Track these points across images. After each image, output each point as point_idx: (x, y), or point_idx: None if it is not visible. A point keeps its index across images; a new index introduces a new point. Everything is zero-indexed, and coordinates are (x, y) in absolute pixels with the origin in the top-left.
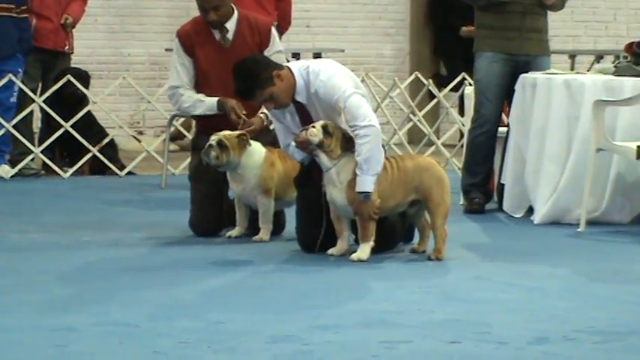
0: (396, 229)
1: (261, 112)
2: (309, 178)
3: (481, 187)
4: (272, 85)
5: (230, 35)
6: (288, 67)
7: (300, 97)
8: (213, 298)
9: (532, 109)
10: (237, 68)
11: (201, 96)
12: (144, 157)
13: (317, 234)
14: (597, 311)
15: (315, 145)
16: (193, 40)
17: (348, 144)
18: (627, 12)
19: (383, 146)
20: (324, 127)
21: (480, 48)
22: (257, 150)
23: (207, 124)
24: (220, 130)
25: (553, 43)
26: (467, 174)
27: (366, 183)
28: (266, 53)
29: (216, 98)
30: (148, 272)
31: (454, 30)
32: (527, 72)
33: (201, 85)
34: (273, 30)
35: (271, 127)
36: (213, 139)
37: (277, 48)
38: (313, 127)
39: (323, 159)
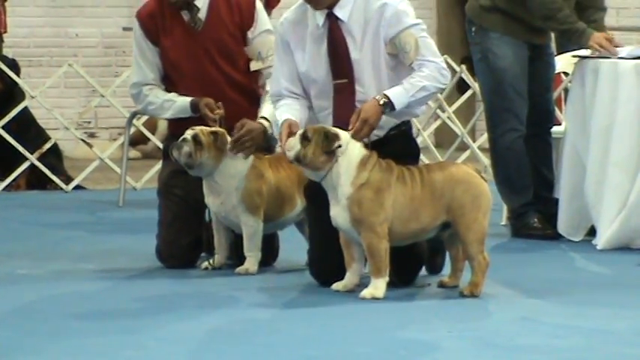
0: (421, 257)
1: (261, 117)
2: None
3: (535, 205)
4: None
5: (202, 15)
6: None
7: (342, 12)
8: (185, 348)
9: (594, 102)
10: None
11: (171, 95)
12: (96, 166)
13: (338, 262)
14: None
15: (292, 159)
16: (158, 23)
17: (329, 143)
18: None
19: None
20: (303, 135)
21: (496, 28)
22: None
23: (180, 124)
24: None
25: (621, 18)
26: (514, 193)
27: (398, 95)
28: (250, 34)
29: (189, 98)
30: (102, 315)
31: None
32: (537, 60)
33: (174, 80)
34: (258, 4)
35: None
36: (189, 132)
37: (264, 27)
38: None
39: (310, 175)
